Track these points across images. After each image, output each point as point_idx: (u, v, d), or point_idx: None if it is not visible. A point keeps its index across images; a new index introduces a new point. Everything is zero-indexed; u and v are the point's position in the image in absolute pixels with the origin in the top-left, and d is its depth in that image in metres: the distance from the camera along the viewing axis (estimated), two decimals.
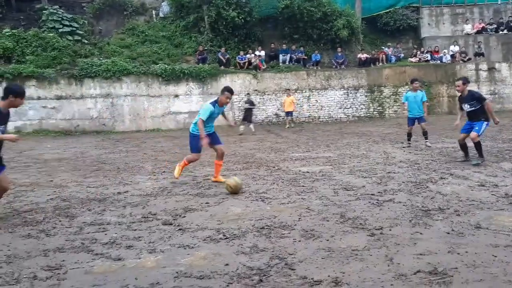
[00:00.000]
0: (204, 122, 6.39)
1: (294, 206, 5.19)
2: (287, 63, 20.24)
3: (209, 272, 3.19)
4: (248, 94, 18.33)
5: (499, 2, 23.43)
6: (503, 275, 2.96)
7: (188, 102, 18.48)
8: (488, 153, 8.73)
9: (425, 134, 10.56)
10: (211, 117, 6.52)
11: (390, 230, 4.10)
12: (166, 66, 18.25)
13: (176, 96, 18.43)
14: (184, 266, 3.33)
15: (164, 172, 8.03)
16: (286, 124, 18.21)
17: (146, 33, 20.46)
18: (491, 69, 20.58)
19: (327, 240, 3.88)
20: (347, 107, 19.82)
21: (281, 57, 20.33)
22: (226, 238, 4.01)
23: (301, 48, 20.74)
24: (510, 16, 22.50)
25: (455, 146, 10.04)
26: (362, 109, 19.98)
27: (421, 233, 3.95)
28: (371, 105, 20.00)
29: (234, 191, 5.93)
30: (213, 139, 6.67)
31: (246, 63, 19.65)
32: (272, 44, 20.79)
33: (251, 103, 16.97)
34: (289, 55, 20.32)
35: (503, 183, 5.98)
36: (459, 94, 7.93)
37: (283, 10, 20.16)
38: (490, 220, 4.26)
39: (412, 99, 10.56)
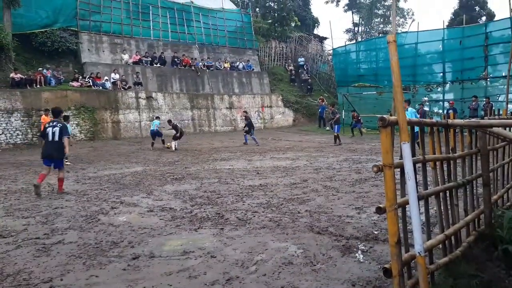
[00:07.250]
0: None
1: None
2: None
3: None
4: None
5: (152, 38, 26.20)
6: None
7: None
8: (152, 177, 9.37)
9: None
10: None
11: (61, 280, 3.57)
12: None
13: None
14: None
15: None
16: None
17: None
18: (149, 98, 22.58)
19: None
20: None
21: None
22: None
23: None
24: (162, 52, 25.53)
25: (123, 172, 10.30)
26: (18, 135, 17.54)
27: (97, 276, 3.63)
28: (29, 131, 17.82)
29: None
30: None
31: None
32: None
33: None
34: None
35: (168, 206, 6.41)
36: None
37: None
38: (162, 246, 4.39)
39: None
